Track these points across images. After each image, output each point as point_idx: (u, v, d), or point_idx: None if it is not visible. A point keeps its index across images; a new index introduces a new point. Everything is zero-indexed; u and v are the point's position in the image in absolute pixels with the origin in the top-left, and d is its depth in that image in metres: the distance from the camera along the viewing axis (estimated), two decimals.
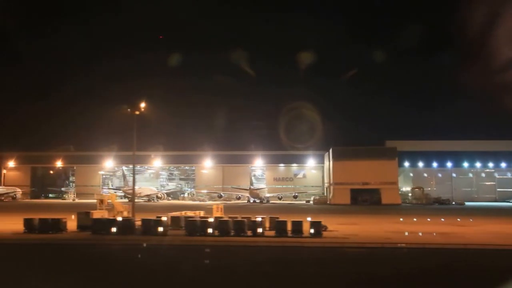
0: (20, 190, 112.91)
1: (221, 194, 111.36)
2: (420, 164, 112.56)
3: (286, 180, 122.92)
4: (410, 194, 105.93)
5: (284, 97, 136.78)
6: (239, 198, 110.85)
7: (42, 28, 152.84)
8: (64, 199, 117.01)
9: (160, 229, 32.81)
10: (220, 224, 32.18)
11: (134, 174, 44.36)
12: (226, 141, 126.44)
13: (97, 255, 27.55)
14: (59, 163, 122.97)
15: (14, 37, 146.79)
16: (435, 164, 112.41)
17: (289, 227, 31.93)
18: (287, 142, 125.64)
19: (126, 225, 33.61)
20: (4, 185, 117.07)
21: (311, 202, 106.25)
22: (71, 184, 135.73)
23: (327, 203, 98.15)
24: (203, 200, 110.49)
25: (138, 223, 34.97)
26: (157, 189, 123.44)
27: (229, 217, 35.25)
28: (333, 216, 48.68)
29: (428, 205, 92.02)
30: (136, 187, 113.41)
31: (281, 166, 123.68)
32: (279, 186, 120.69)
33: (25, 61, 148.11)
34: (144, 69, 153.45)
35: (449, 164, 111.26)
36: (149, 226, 33.33)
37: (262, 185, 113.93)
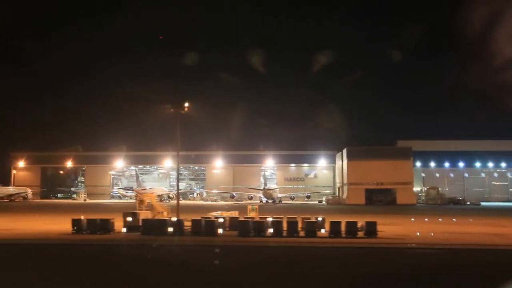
0: (30, 190, 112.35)
1: (233, 194, 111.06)
2: (432, 164, 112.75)
3: (297, 180, 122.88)
4: (422, 194, 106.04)
5: (294, 97, 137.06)
6: (251, 198, 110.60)
7: (55, 29, 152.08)
8: (75, 199, 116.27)
9: (220, 230, 32.64)
10: (275, 225, 32.03)
11: (178, 174, 43.54)
12: (236, 141, 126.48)
13: (173, 256, 27.29)
14: (69, 163, 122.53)
15: (26, 38, 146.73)
16: (447, 164, 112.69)
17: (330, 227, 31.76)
18: (298, 142, 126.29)
19: (177, 226, 33.38)
20: (14, 185, 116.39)
21: (324, 202, 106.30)
22: (79, 184, 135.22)
23: (342, 203, 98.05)
24: (214, 200, 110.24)
25: (187, 223, 34.80)
26: (168, 189, 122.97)
27: (276, 218, 35.12)
28: (359, 217, 48.25)
29: (443, 205, 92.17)
30: (148, 187, 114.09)
31: (292, 166, 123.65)
32: (290, 186, 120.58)
33: (36, 62, 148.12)
34: (151, 70, 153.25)
35: (461, 164, 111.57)
36: (200, 226, 33.17)
37: (274, 186, 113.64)
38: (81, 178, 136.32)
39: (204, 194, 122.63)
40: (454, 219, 52.88)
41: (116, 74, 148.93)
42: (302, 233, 31.94)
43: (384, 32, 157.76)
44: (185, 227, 34.46)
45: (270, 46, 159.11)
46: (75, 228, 34.21)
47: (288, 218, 34.57)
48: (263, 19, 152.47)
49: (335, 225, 31.43)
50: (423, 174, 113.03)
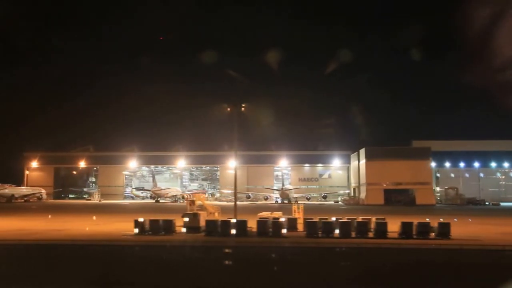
0: (44, 190, 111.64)
1: (249, 194, 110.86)
2: (447, 164, 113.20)
3: (311, 180, 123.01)
4: (438, 194, 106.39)
5: (307, 97, 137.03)
6: (266, 199, 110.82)
7: (69, 30, 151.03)
8: (88, 200, 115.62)
9: (284, 231, 32.44)
10: (343, 225, 31.86)
11: (235, 175, 42.95)
12: (250, 141, 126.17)
13: (254, 257, 27.00)
14: (82, 164, 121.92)
15: (41, 38, 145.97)
16: (462, 164, 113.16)
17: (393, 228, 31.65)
18: (312, 142, 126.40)
19: (240, 227, 33.14)
20: (27, 185, 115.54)
21: (340, 202, 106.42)
22: (91, 184, 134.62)
23: (359, 203, 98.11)
24: (231, 201, 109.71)
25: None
26: (181, 190, 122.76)
27: (336, 218, 35.01)
28: (390, 217, 47.20)
29: (462, 205, 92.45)
30: (162, 187, 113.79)
31: (306, 167, 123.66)
32: (304, 187, 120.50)
33: (50, 63, 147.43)
34: (164, 71, 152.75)
35: (476, 164, 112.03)
36: (265, 227, 32.94)
37: (291, 186, 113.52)
38: (92, 179, 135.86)
39: (218, 195, 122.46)
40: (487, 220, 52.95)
41: (129, 75, 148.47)
42: (371, 234, 31.79)
43: (394, 31, 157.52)
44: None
45: (283, 45, 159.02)
46: (138, 229, 33.85)
47: (362, 219, 34.58)
48: (274, 18, 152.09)
49: (406, 226, 31.26)
50: (438, 174, 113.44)
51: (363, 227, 31.87)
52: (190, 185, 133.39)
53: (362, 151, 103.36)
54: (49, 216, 51.84)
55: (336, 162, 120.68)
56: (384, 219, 33.39)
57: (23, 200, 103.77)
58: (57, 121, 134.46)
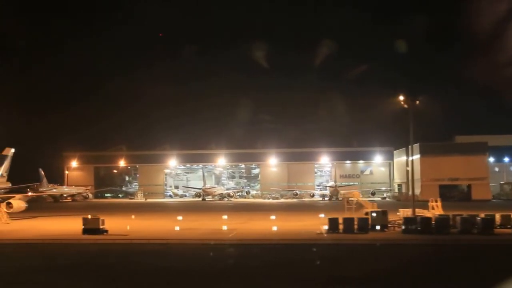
0: (88, 189, 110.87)
1: (297, 192, 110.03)
2: (491, 159, 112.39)
3: (353, 177, 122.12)
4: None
5: (347, 93, 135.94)
6: (312, 196, 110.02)
7: (105, 26, 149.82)
8: (132, 198, 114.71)
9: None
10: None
11: (412, 171, 41.97)
12: (290, 138, 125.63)
13: None
14: (121, 163, 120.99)
15: (73, 37, 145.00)
16: (506, 159, 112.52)
17: None
18: (352, 138, 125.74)
19: (441, 224, 32.22)
20: (67, 185, 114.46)
21: (387, 199, 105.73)
22: (128, 184, 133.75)
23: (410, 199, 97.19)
24: (276, 198, 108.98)
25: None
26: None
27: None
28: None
29: None
30: (206, 186, 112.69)
31: (347, 163, 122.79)
32: (345, 184, 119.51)
33: (88, 61, 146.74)
34: (201, 67, 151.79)
35: None
36: (468, 224, 32.11)
37: (344, 183, 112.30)
38: (128, 178, 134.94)
39: (254, 192, 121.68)
40: None
41: (167, 71, 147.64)
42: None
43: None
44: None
45: (329, 40, 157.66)
46: (330, 227, 32.97)
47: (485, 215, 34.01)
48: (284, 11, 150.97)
49: None
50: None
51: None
52: (228, 183, 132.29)
53: (414, 147, 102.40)
54: (132, 216, 50.09)
55: (378, 159, 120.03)
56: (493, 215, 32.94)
57: (70, 200, 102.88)
58: (94, 120, 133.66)
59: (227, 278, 20.00)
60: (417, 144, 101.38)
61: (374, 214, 34.21)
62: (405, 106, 39.09)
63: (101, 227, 33.13)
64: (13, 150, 65.21)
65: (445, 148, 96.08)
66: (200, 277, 19.84)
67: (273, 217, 43.77)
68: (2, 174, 63.05)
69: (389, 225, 34.84)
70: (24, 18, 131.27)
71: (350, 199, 45.82)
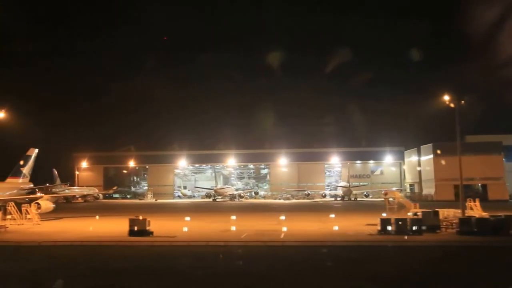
0: (97, 190, 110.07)
1: (309, 192, 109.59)
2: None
3: (363, 177, 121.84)
4: None
5: (356, 93, 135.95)
6: (324, 196, 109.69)
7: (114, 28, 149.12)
8: (141, 199, 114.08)
9: None
10: None
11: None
12: (301, 138, 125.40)
13: None
14: (131, 163, 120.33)
15: (83, 38, 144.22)
16: None
17: None
18: (362, 138, 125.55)
19: (499, 225, 31.59)
20: (78, 185, 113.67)
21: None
22: (136, 184, 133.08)
23: (429, 199, 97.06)
24: (287, 198, 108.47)
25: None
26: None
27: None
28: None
29: None
30: (218, 186, 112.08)
31: (358, 163, 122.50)
32: (356, 184, 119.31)
33: (98, 62, 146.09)
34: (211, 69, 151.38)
35: None
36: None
37: (356, 183, 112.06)
38: (137, 179, 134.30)
39: (263, 193, 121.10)
40: None
41: (174, 73, 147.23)
42: None
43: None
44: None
45: (332, 42, 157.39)
46: (382, 228, 32.48)
47: None
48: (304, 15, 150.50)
49: None
50: None
51: None
52: (237, 183, 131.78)
53: (426, 147, 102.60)
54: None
55: (388, 159, 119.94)
56: None
57: (82, 200, 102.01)
58: (104, 120, 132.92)
59: (322, 279, 19.46)
60: (430, 144, 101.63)
61: (416, 215, 33.72)
62: (451, 105, 38.51)
63: (147, 228, 32.52)
64: (36, 150, 64.53)
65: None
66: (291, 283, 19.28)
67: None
68: (25, 175, 62.26)
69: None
70: (34, 21, 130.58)
71: (390, 198, 45.30)
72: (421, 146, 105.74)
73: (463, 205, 38.99)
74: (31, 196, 54.72)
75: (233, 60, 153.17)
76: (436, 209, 35.28)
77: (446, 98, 39.22)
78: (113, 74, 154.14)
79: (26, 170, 62.84)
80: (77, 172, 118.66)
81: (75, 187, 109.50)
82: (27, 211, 45.11)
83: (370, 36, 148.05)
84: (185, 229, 35.43)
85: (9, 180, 58.91)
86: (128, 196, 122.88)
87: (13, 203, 45.03)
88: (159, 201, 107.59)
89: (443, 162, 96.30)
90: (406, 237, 30.72)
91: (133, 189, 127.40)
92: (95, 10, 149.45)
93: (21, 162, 62.43)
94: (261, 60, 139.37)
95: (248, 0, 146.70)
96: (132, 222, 32.55)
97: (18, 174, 61.77)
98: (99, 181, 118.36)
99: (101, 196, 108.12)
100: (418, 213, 35.66)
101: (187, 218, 39.95)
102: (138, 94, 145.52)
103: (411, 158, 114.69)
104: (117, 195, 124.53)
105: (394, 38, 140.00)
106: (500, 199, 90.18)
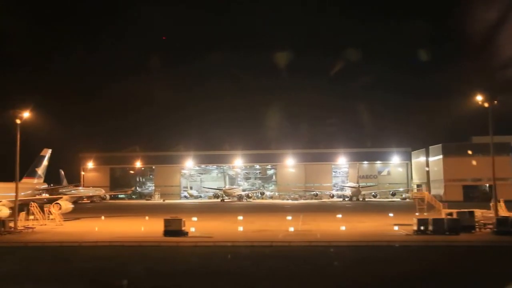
0: (104, 191, 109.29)
1: (317, 192, 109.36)
2: None
3: (370, 177, 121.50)
4: None
5: (363, 94, 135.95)
6: (332, 196, 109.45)
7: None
8: (149, 199, 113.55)
9: None
10: None
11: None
12: (307, 139, 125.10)
13: None
14: (138, 164, 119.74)
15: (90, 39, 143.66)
16: None
17: None
18: (369, 139, 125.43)
19: None
20: (83, 186, 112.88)
21: (407, 199, 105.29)
22: (142, 185, 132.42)
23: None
24: (295, 199, 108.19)
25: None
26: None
27: None
28: None
29: None
30: (226, 187, 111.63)
31: (365, 164, 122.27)
32: (363, 184, 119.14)
33: (106, 63, 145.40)
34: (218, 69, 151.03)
35: None
36: None
37: (364, 183, 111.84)
38: (141, 179, 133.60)
39: (268, 193, 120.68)
40: None
41: (181, 73, 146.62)
42: None
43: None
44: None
45: (336, 43, 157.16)
46: (418, 228, 32.25)
47: None
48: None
49: None
50: None
51: None
52: (243, 184, 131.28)
53: (435, 148, 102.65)
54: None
55: (395, 159, 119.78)
56: None
57: (89, 201, 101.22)
58: (111, 121, 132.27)
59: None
60: (439, 145, 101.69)
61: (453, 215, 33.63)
62: (486, 105, 38.34)
63: (183, 228, 32.17)
64: (50, 150, 63.97)
65: (468, 149, 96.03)
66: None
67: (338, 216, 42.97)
68: (40, 175, 61.74)
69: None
70: (37, 20, 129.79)
71: (418, 198, 45.15)
72: (430, 147, 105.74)
73: (496, 205, 38.83)
74: (52, 196, 54.19)
75: (239, 60, 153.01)
76: (471, 210, 35.09)
77: (479, 98, 38.81)
78: (120, 74, 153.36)
79: (40, 170, 62.36)
80: (83, 173, 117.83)
81: (80, 188, 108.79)
82: (49, 211, 44.80)
83: (376, 37, 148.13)
84: (193, 229, 35.43)
85: (24, 180, 58.19)
86: (134, 197, 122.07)
87: (35, 203, 44.58)
88: (167, 201, 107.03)
89: (452, 163, 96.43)
90: (453, 237, 30.67)
91: (138, 189, 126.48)
92: (98, 12, 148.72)
93: (36, 163, 61.97)
94: (268, 60, 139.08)
95: (253, 1, 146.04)
96: (168, 222, 32.17)
97: (33, 174, 61.27)
98: (105, 182, 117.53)
99: (108, 196, 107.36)
100: (453, 213, 35.47)
101: (198, 218, 39.90)
102: (144, 95, 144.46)
103: (419, 158, 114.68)
104: (122, 196, 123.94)
105: (400, 39, 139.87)
106: (509, 200, 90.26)
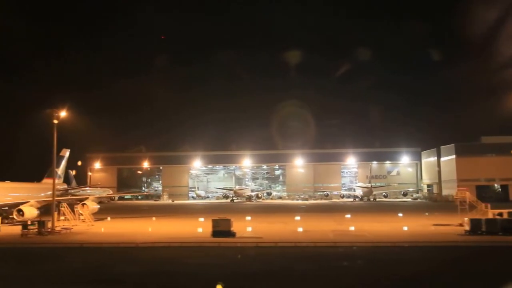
0: (111, 191, 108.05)
1: (327, 193, 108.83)
2: None
3: (380, 177, 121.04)
4: None
5: (374, 95, 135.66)
6: (342, 197, 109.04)
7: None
8: (157, 200, 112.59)
9: None
10: None
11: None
12: (315, 139, 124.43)
13: None
14: (145, 164, 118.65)
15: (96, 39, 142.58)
16: None
17: None
18: (378, 139, 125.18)
19: None
20: (90, 186, 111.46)
21: (419, 200, 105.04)
22: (148, 185, 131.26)
23: (450, 200, 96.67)
24: (305, 199, 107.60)
25: None
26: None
27: None
28: None
29: None
30: (237, 187, 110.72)
31: (374, 164, 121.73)
32: (375, 184, 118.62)
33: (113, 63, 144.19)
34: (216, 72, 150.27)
35: None
36: None
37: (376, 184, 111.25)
38: (147, 180, 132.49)
39: (275, 193, 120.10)
40: None
41: (191, 73, 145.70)
42: None
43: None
44: None
45: (342, 44, 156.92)
46: (471, 228, 31.75)
47: None
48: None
49: None
50: None
51: None
52: (251, 184, 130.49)
53: (447, 148, 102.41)
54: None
55: (405, 159, 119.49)
56: None
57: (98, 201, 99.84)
58: (118, 121, 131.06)
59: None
60: (452, 145, 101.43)
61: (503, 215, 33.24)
62: None
63: (231, 229, 31.42)
64: (69, 151, 62.94)
65: (479, 149, 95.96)
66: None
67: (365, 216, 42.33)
68: (59, 175, 60.65)
69: None
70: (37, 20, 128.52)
71: (456, 198, 44.56)
72: (441, 147, 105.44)
73: None
74: (78, 197, 53.29)
75: (247, 60, 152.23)
76: None
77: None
78: (127, 74, 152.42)
79: (60, 171, 61.32)
80: (89, 173, 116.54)
81: (87, 188, 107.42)
82: (80, 212, 44.04)
83: (386, 37, 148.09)
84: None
85: (45, 180, 57.18)
86: (139, 197, 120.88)
87: (66, 204, 43.71)
88: (176, 202, 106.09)
89: (465, 163, 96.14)
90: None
91: (146, 190, 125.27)
92: (96, 11, 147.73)
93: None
94: (276, 61, 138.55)
95: (260, 2, 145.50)
96: (216, 223, 31.41)
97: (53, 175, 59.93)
98: (112, 182, 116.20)
99: (116, 197, 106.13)
100: (503, 213, 34.93)
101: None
102: (152, 95, 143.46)
103: (429, 158, 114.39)
104: (128, 196, 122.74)
105: (410, 39, 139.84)
106: None
